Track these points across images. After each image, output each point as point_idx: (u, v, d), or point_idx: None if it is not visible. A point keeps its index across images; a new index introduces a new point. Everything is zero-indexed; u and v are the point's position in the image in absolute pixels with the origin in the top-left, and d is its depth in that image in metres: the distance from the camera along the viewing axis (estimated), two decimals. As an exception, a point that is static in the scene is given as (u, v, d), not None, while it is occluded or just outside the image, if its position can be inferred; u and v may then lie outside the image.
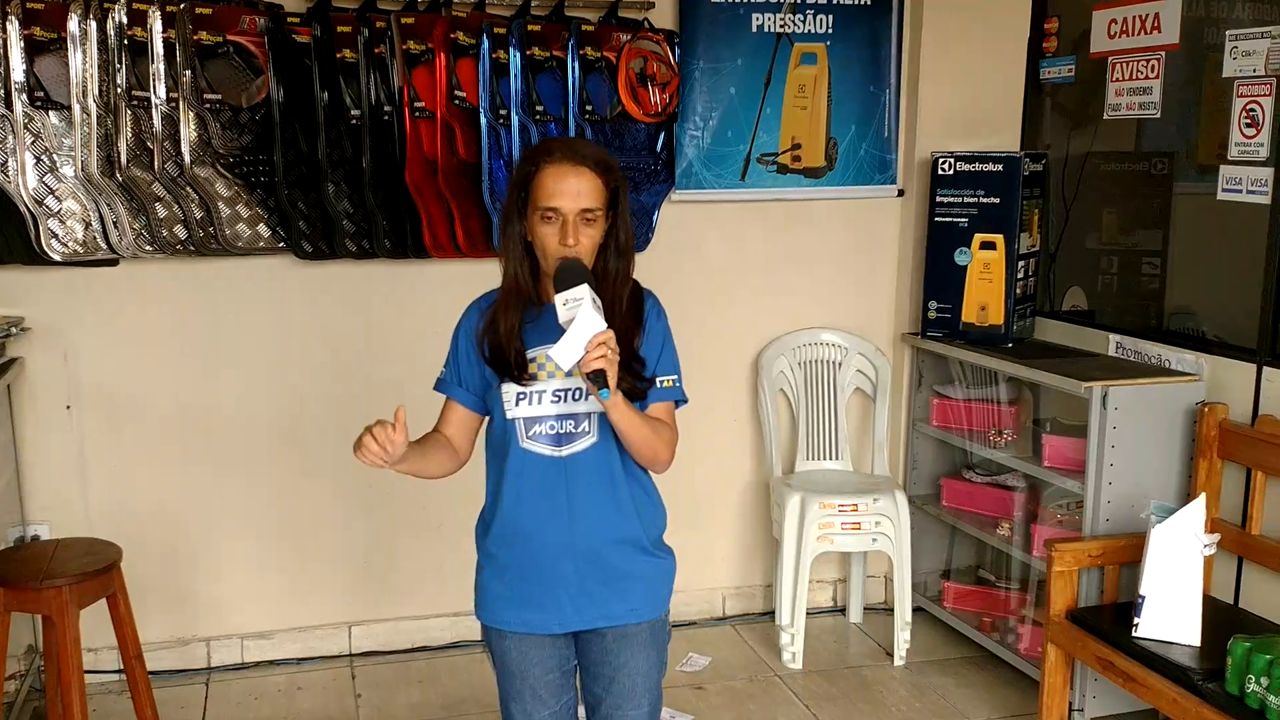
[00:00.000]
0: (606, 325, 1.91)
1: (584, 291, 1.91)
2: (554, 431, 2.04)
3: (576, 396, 2.04)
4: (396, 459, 1.98)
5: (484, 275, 3.42)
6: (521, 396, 2.04)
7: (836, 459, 3.93)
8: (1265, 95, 3.02)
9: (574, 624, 2.10)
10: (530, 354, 2.04)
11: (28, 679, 3.28)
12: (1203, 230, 3.53)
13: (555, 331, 1.96)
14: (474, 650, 3.78)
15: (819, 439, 3.93)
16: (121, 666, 2.99)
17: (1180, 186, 3.57)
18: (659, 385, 2.08)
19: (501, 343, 2.04)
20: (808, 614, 3.74)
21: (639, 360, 2.05)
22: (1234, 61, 3.11)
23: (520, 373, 2.03)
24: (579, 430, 2.05)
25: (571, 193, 1.98)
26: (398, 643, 3.77)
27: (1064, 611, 3.05)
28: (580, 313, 1.89)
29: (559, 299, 1.93)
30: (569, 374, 2.01)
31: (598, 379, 1.90)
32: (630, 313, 2.06)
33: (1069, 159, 3.86)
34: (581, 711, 2.23)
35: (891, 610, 3.80)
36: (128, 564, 2.88)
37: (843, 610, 4.12)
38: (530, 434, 2.05)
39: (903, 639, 3.70)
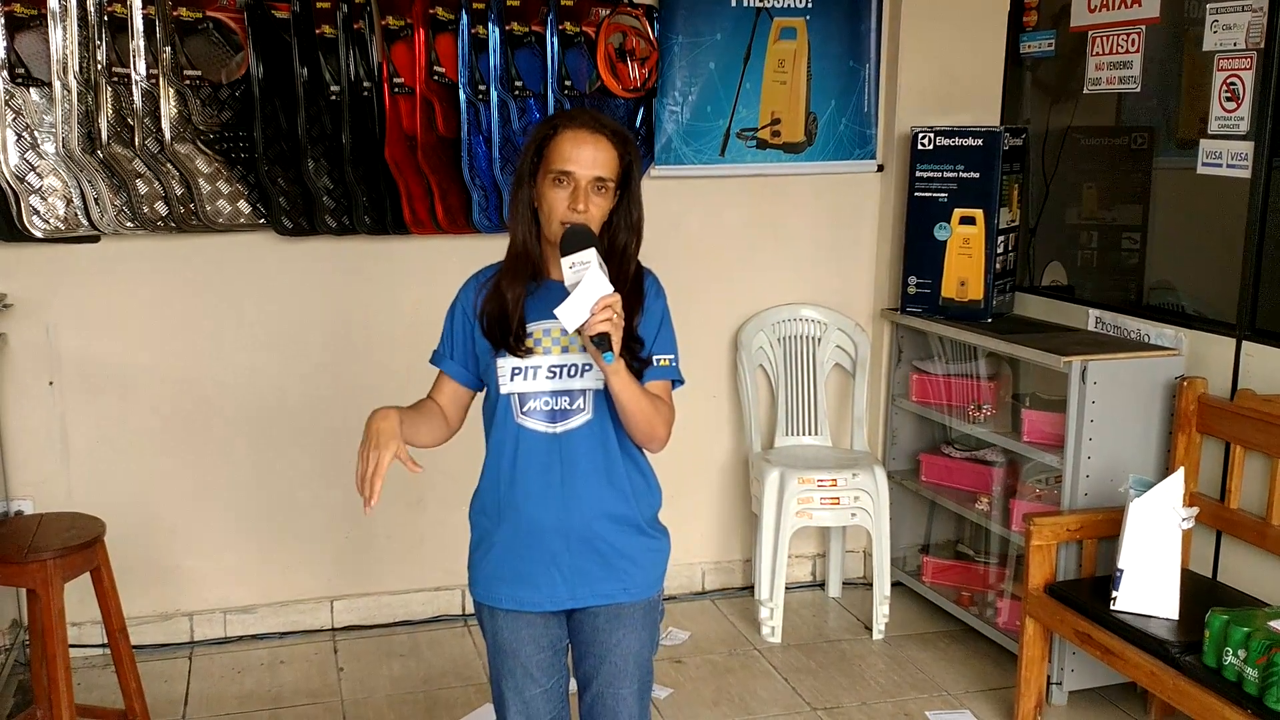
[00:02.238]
0: (614, 289, 1.90)
1: (591, 255, 1.89)
2: (549, 407, 2.04)
3: (572, 373, 2.03)
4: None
5: (463, 251, 3.48)
6: (517, 371, 2.03)
7: (815, 434, 3.94)
8: (1245, 69, 3.02)
9: (566, 602, 2.09)
10: (529, 328, 2.03)
11: (12, 653, 3.32)
12: (1183, 205, 3.52)
13: (556, 305, 1.94)
14: (454, 624, 3.81)
15: (798, 414, 3.94)
16: (105, 641, 3.01)
17: (1160, 161, 3.56)
18: (655, 364, 2.07)
19: (502, 313, 2.02)
20: (787, 588, 3.76)
21: (637, 339, 2.04)
22: (1214, 35, 3.10)
23: (517, 345, 2.02)
24: (574, 407, 2.04)
25: (587, 159, 1.97)
26: (379, 617, 3.79)
27: (1042, 585, 3.07)
28: (587, 274, 1.87)
29: (565, 262, 1.90)
30: (565, 349, 2.01)
31: (601, 342, 1.88)
32: (633, 291, 2.05)
33: (1049, 133, 3.85)
34: (572, 687, 2.22)
35: (870, 585, 3.81)
36: (110, 539, 2.89)
37: (822, 585, 4.13)
38: (525, 409, 2.04)
39: (881, 613, 3.72)
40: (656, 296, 2.11)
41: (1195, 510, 2.90)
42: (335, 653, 3.63)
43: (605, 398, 2.03)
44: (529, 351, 2.02)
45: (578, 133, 1.99)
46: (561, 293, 1.92)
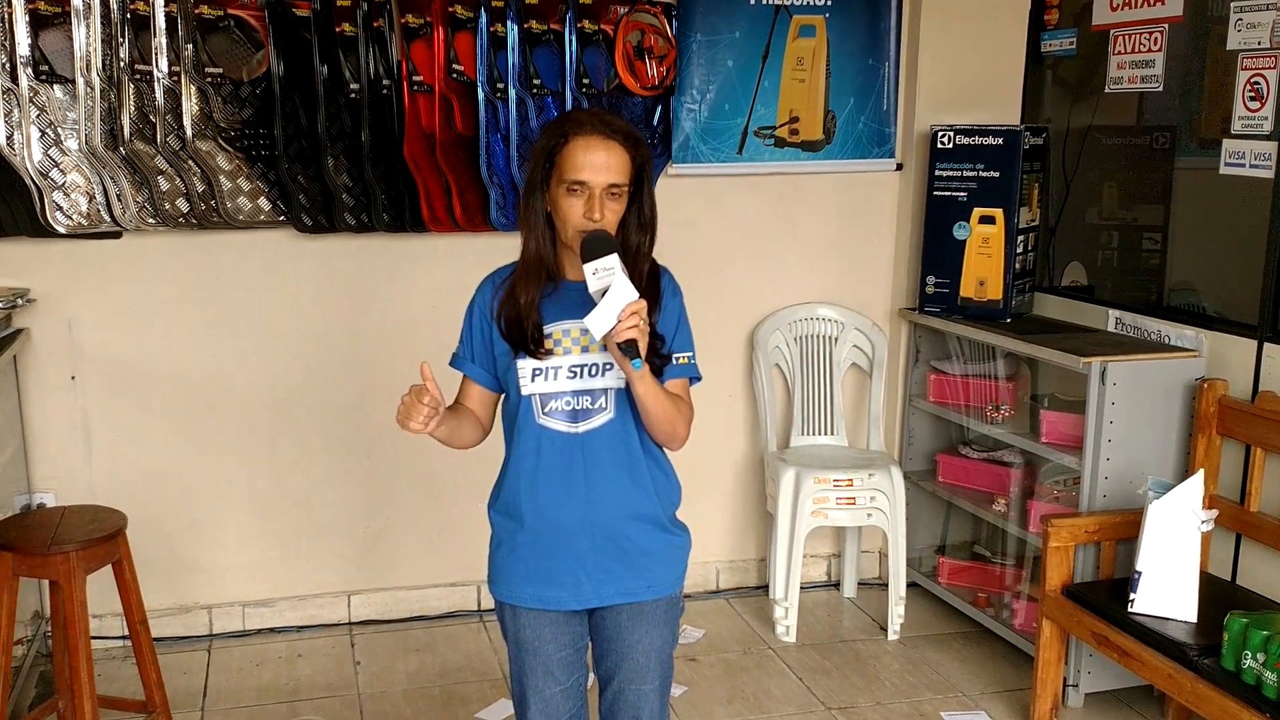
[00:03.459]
0: (639, 295, 1.90)
1: (614, 261, 1.90)
2: (570, 407, 2.05)
3: (593, 372, 2.04)
4: (441, 414, 1.99)
5: (481, 249, 3.50)
6: (538, 372, 2.04)
7: (832, 434, 3.93)
8: (1269, 68, 3.00)
9: (591, 601, 2.11)
10: (547, 329, 2.03)
11: (34, 644, 3.35)
12: (1204, 205, 3.49)
13: (573, 306, 1.96)
14: (470, 620, 3.83)
15: (814, 414, 3.93)
16: (125, 633, 3.03)
17: (1182, 161, 3.52)
18: (675, 362, 2.08)
19: (519, 316, 2.03)
20: (801, 588, 3.76)
21: (657, 337, 2.04)
22: (1238, 34, 3.08)
23: (536, 347, 2.02)
24: (595, 406, 2.05)
25: (600, 166, 1.96)
26: (396, 611, 3.82)
27: (1059, 587, 3.05)
28: (615, 281, 1.88)
29: (588, 268, 1.91)
30: (584, 348, 2.01)
31: (629, 349, 1.89)
32: (649, 289, 2.05)
33: (1070, 133, 3.83)
34: (591, 683, 2.24)
35: (886, 585, 3.80)
36: (130, 533, 2.92)
37: (837, 585, 4.12)
38: (546, 410, 2.05)
39: (897, 614, 3.71)
40: (673, 294, 2.11)
41: (1215, 513, 2.88)
42: (352, 646, 3.66)
43: (626, 396, 2.04)
44: (549, 353, 2.03)
45: (589, 140, 1.97)
46: (579, 293, 1.93)
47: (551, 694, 2.15)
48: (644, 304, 1.90)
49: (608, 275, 1.89)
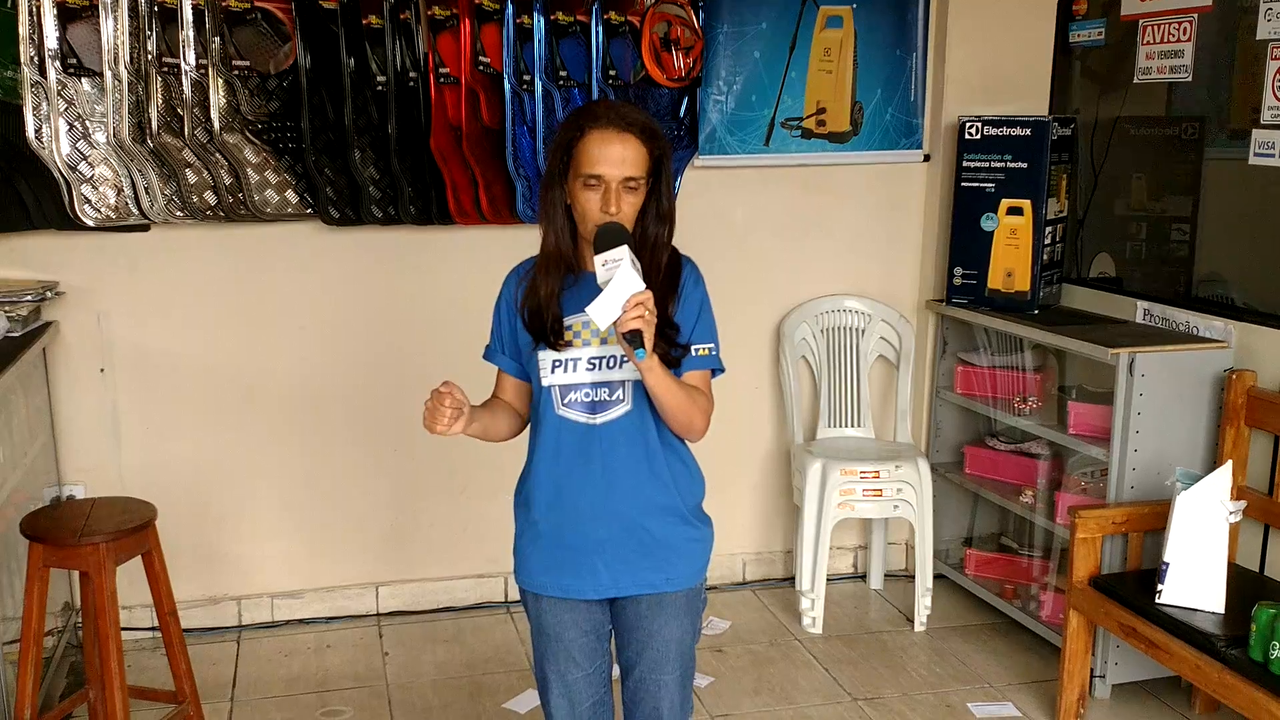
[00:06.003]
0: (645, 286, 1.90)
1: (624, 252, 1.90)
2: (589, 399, 2.05)
3: (611, 364, 2.04)
4: (467, 413, 1.99)
5: (507, 241, 3.49)
6: (557, 364, 2.05)
7: (858, 426, 3.93)
8: (1300, 58, 2.98)
9: (609, 591, 2.12)
10: (567, 321, 2.04)
11: (64, 635, 3.37)
12: (1233, 196, 3.48)
13: (593, 299, 1.95)
14: (497, 611, 3.85)
15: (841, 406, 3.93)
16: (155, 624, 3.04)
17: (1211, 151, 3.50)
18: (694, 353, 2.07)
19: (540, 308, 2.04)
20: (828, 580, 3.75)
21: (673, 327, 2.04)
22: (1268, 24, 3.06)
23: (556, 339, 2.03)
24: (613, 398, 2.05)
25: (616, 160, 1.97)
26: (424, 603, 3.83)
27: (1087, 578, 3.05)
28: (619, 272, 1.88)
29: (598, 260, 1.92)
30: (604, 340, 2.02)
31: (634, 339, 1.89)
32: (667, 279, 2.06)
33: (1098, 123, 3.81)
34: (615, 673, 2.25)
35: (912, 577, 3.80)
36: (159, 524, 2.93)
37: (863, 577, 4.13)
38: (566, 401, 2.06)
39: (924, 605, 3.71)
40: (695, 285, 2.11)
41: (1243, 504, 2.88)
42: (380, 638, 3.67)
43: (644, 388, 2.03)
44: (568, 344, 2.04)
45: (605, 133, 1.98)
46: (599, 285, 1.93)
47: (574, 679, 2.17)
48: (649, 295, 1.90)
49: (615, 266, 1.90)
